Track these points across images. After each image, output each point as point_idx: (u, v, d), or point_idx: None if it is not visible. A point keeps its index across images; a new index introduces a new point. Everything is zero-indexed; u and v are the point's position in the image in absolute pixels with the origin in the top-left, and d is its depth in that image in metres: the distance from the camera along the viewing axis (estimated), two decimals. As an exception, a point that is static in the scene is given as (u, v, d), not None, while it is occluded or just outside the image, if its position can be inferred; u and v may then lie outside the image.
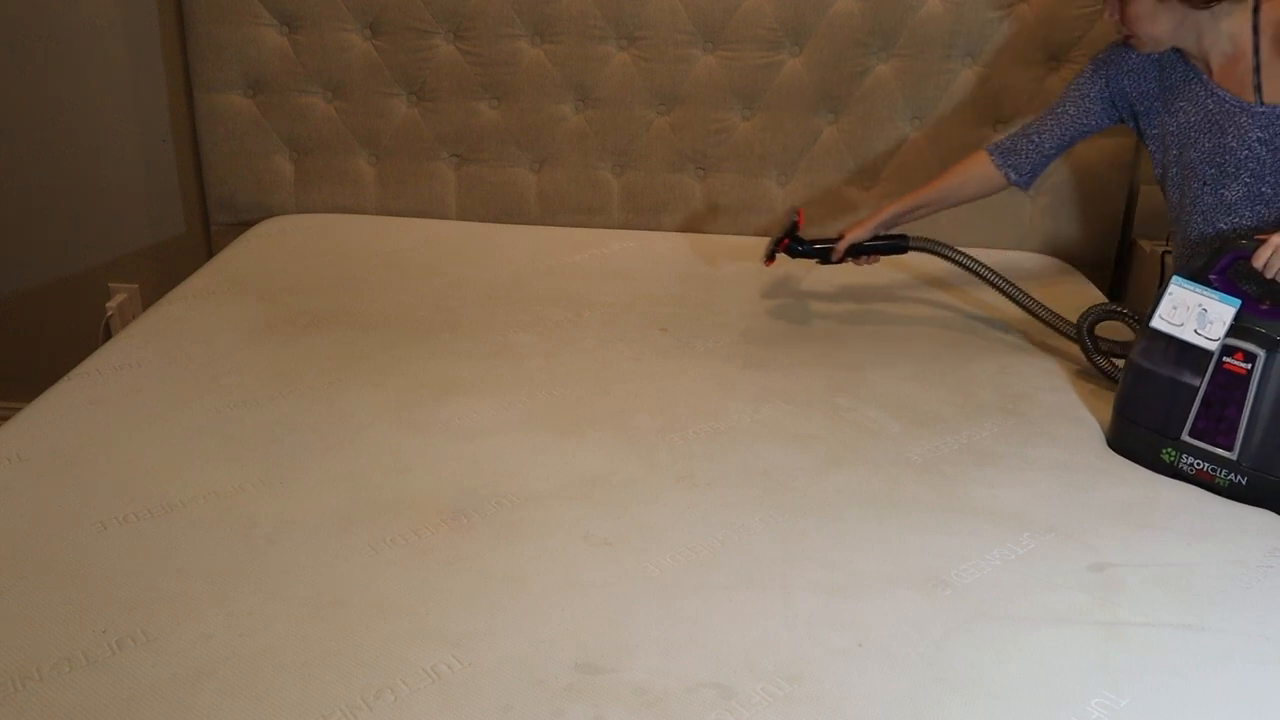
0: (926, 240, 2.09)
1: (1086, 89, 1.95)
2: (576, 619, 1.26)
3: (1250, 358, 1.56)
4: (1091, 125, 1.96)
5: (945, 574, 1.37)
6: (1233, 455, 1.58)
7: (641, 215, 2.57)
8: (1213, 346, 1.59)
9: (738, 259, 2.39)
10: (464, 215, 2.59)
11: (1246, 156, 1.77)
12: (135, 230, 2.70)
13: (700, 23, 2.41)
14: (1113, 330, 1.96)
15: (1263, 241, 1.58)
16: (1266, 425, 1.55)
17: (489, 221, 2.58)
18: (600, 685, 1.16)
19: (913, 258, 2.18)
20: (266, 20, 2.46)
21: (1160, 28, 1.76)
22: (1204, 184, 1.83)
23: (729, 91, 2.45)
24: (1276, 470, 1.55)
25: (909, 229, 2.10)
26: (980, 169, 2.04)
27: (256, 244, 2.41)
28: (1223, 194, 1.81)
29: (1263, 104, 1.75)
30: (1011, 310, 2.10)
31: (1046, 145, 1.99)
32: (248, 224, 2.58)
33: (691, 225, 2.56)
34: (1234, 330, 1.58)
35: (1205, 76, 1.81)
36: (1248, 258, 1.59)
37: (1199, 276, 1.63)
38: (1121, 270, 2.54)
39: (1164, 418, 1.64)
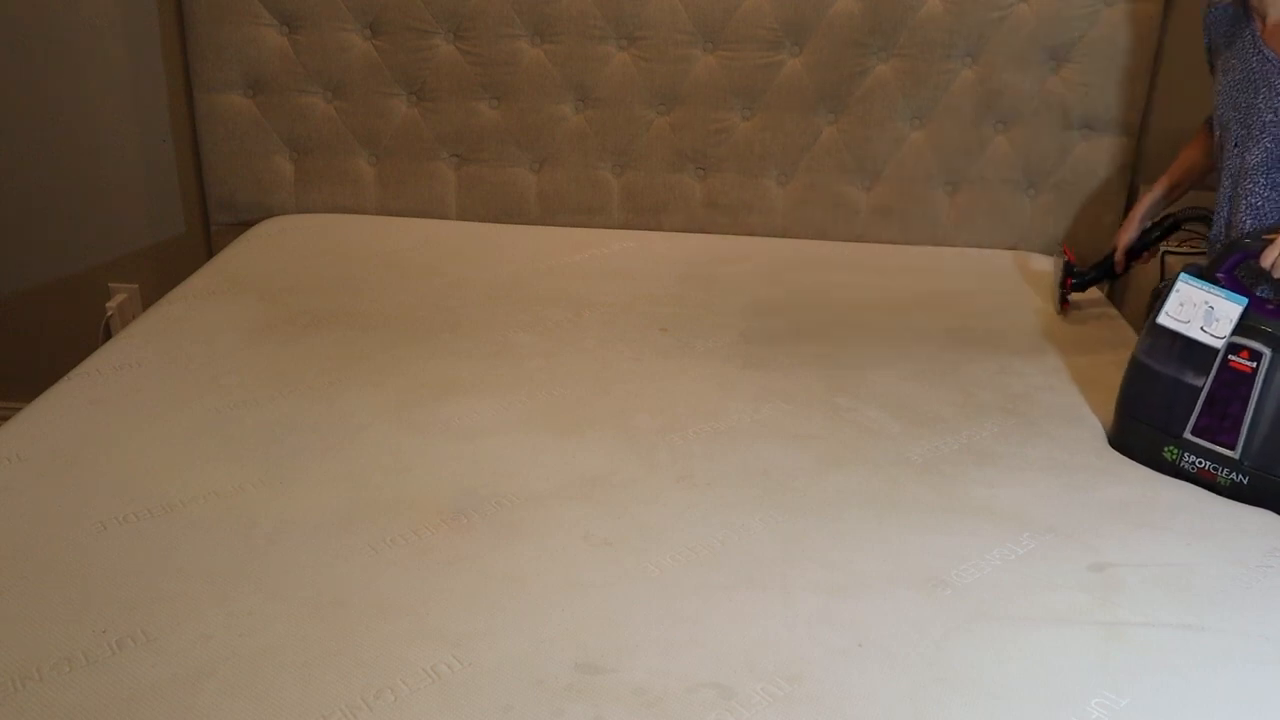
0: (1191, 209, 2.06)
1: (1205, 47, 1.95)
2: (576, 619, 1.26)
3: (1256, 356, 1.56)
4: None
5: (945, 574, 1.37)
6: (1235, 454, 1.58)
7: (641, 215, 2.57)
8: (1219, 344, 1.59)
9: (738, 259, 2.39)
10: (464, 215, 2.59)
11: (1270, 120, 1.73)
12: (135, 230, 2.70)
13: (700, 23, 2.41)
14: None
15: (1270, 241, 1.58)
16: (1270, 424, 1.55)
17: (489, 221, 2.58)
18: (600, 685, 1.16)
19: (905, 254, 2.17)
20: (266, 20, 2.46)
21: None
22: (1234, 145, 1.80)
23: (729, 91, 2.45)
24: (1278, 470, 1.55)
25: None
26: (1207, 138, 2.02)
27: (256, 244, 2.41)
28: (1245, 157, 1.77)
29: None
30: (1012, 310, 2.10)
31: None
32: (248, 224, 2.58)
33: (691, 225, 2.56)
34: (1240, 329, 1.58)
35: (1257, 32, 1.78)
36: (1255, 257, 1.59)
37: (1206, 275, 1.63)
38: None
39: (1167, 416, 1.64)
